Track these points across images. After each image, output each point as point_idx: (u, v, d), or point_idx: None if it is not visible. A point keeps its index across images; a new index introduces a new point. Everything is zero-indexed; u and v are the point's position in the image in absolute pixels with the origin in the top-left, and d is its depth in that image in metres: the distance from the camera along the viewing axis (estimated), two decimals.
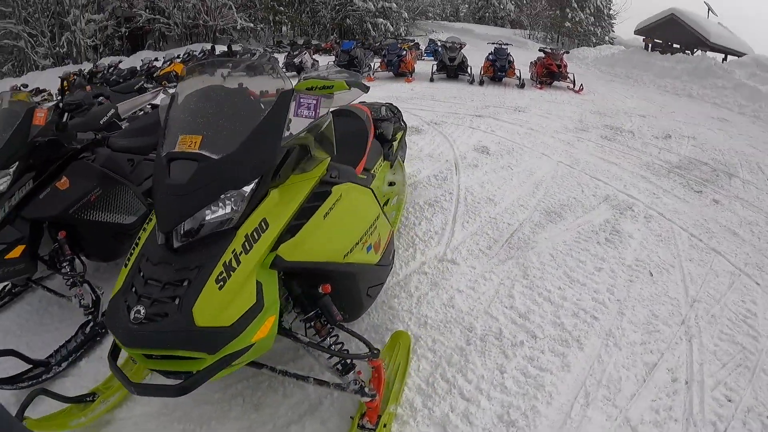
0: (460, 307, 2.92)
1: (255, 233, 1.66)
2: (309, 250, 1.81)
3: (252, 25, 28.94)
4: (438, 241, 3.74)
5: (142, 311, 1.50)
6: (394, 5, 33.82)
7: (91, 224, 2.90)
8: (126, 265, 1.69)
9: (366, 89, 2.35)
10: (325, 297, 1.99)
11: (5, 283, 3.16)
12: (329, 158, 2.09)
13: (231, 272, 1.55)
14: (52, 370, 2.51)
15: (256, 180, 1.71)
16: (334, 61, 13.84)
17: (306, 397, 2.29)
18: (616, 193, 4.77)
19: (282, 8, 33.35)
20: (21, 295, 3.21)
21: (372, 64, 14.20)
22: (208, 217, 1.64)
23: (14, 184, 2.64)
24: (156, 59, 19.28)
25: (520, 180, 5.07)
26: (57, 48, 27.25)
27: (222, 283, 1.52)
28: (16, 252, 2.55)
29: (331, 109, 2.20)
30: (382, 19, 33.27)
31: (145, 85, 9.83)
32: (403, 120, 4.30)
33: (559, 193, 4.75)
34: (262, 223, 1.69)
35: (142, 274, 1.59)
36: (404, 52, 13.27)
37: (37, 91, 16.95)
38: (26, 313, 3.05)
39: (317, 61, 14.81)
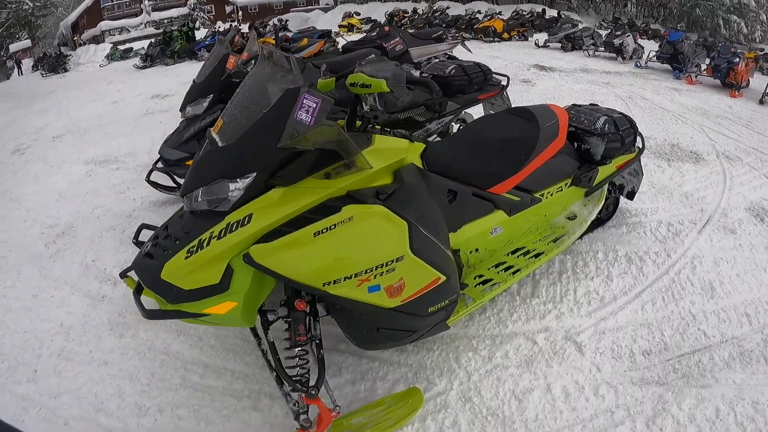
0: None
1: (236, 224, 1.80)
2: (281, 261, 1.80)
3: None
4: None
5: (148, 248, 1.91)
6: (753, 3, 27.27)
7: None
8: None
9: (405, 96, 2.03)
10: (297, 313, 2.01)
11: None
12: (364, 170, 1.95)
13: (200, 249, 1.78)
14: None
15: (253, 174, 1.81)
16: (656, 51, 12.05)
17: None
18: None
19: None
20: None
21: (701, 65, 11.62)
22: (200, 198, 1.86)
23: (207, 111, 3.25)
24: (479, 11, 19.69)
25: None
26: None
27: (190, 254, 1.78)
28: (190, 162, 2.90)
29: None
30: (735, 17, 27.45)
31: (444, 35, 10.34)
32: (640, 140, 3.49)
33: None
34: (247, 218, 1.81)
35: (168, 222, 2.00)
36: (737, 59, 10.20)
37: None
38: None
39: (642, 47, 13.02)
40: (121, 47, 25.11)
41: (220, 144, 1.92)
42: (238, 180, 1.83)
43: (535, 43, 15.53)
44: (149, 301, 1.94)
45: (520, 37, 17.27)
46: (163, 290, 1.81)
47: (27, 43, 35.91)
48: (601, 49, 13.49)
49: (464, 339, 2.74)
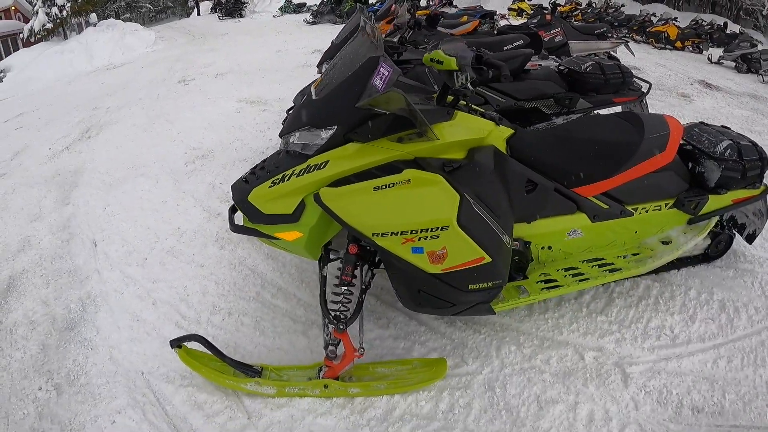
0: None
1: (315, 167, 2.07)
2: (342, 205, 2.02)
3: None
4: None
5: (246, 174, 2.28)
6: None
7: None
8: None
9: (468, 76, 2.10)
10: (349, 255, 2.23)
11: None
12: (433, 140, 2.11)
13: (282, 182, 2.09)
14: None
15: (335, 127, 2.07)
16: None
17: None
18: None
19: None
20: None
21: None
22: (292, 140, 2.16)
23: None
24: (653, 14, 18.37)
25: None
26: None
27: (274, 185, 2.11)
28: None
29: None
30: None
31: (607, 32, 9.90)
32: (761, 179, 3.03)
33: None
34: (324, 163, 2.07)
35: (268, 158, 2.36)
36: None
37: None
38: None
39: None
40: (296, 1, 26.37)
41: (314, 97, 2.21)
42: (323, 129, 2.11)
43: (708, 58, 14.22)
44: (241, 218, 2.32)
45: (694, 48, 15.88)
46: (248, 210, 2.17)
47: None
48: None
49: (514, 332, 2.74)
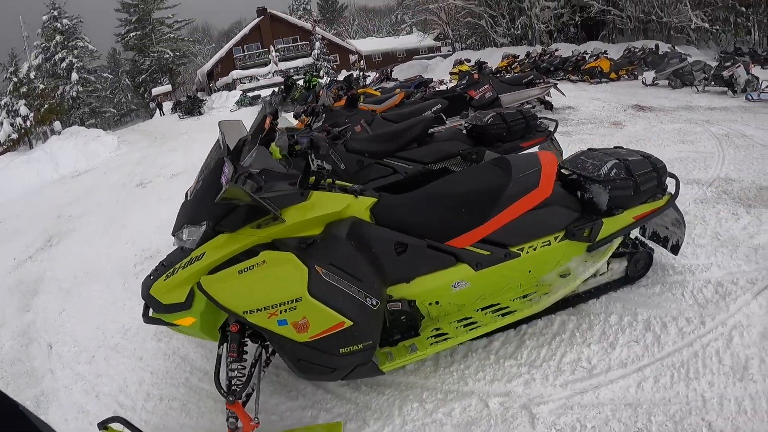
0: None
1: (196, 258, 2.31)
2: (217, 290, 2.24)
3: (707, 25, 25.37)
4: None
5: (152, 270, 2.55)
6: None
7: None
8: None
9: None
10: (232, 334, 2.43)
11: None
12: (282, 222, 2.32)
13: (173, 275, 2.35)
14: None
15: (205, 222, 2.33)
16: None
17: None
18: None
19: (744, 8, 26.66)
20: None
21: None
22: (179, 237, 2.45)
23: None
24: (584, 52, 19.19)
25: None
26: (512, 30, 29.93)
27: (167, 278, 2.37)
28: None
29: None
30: None
31: (536, 80, 10.35)
32: (674, 185, 3.06)
33: None
34: (202, 254, 2.32)
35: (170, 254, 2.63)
36: None
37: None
38: None
39: (757, 78, 11.57)
40: (250, 94, 27.48)
41: (188, 198, 2.52)
42: (198, 225, 2.37)
43: (642, 82, 14.73)
44: None
45: (630, 76, 16.48)
46: (152, 302, 2.41)
47: (168, 87, 40.58)
48: (712, 83, 12.31)
49: (419, 389, 2.70)
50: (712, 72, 12.40)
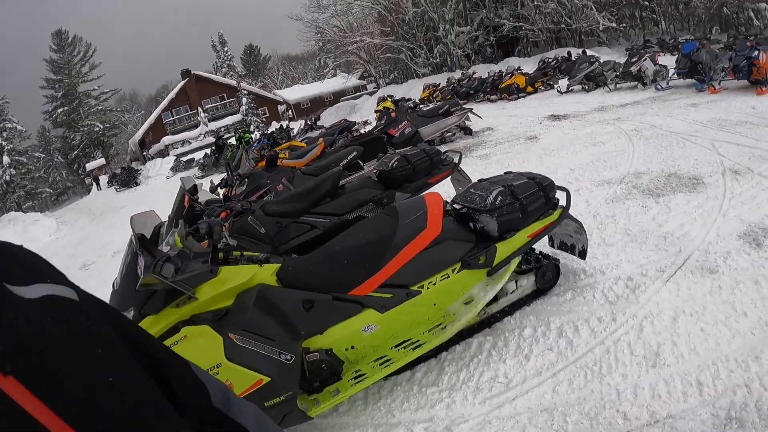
0: None
1: None
2: None
3: (615, 25, 26.79)
4: None
5: None
6: None
7: None
8: None
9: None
10: None
11: None
12: (196, 300, 2.49)
13: None
14: None
15: (131, 308, 2.51)
16: (673, 69, 11.41)
17: None
18: None
19: (647, 2, 29.06)
20: None
21: (726, 69, 10.28)
22: None
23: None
24: (500, 71, 19.92)
25: None
26: (431, 59, 31.09)
27: None
28: None
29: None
30: (765, 4, 24.63)
31: (452, 109, 10.76)
32: (565, 198, 3.32)
33: None
34: None
35: None
36: (756, 52, 9.13)
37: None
38: None
39: (665, 67, 12.10)
40: (184, 159, 27.35)
41: (114, 288, 2.73)
42: (126, 311, 2.51)
43: (557, 90, 15.21)
44: None
45: (546, 86, 16.91)
46: None
47: (101, 161, 40.04)
48: (623, 80, 12.80)
49: (350, 427, 2.80)
50: (620, 69, 12.87)
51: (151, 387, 0.56)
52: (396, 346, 2.92)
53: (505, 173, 3.51)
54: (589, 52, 18.80)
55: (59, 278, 0.59)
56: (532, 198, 3.11)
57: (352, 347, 2.86)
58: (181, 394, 0.62)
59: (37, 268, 0.58)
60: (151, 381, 0.57)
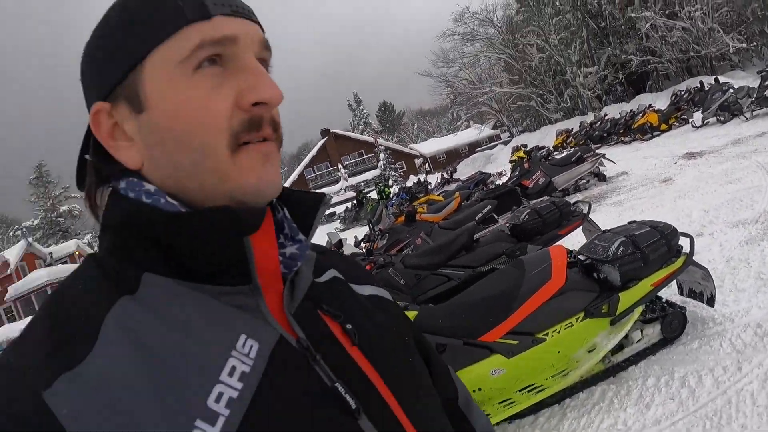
0: None
1: None
2: None
3: (746, 45, 23.92)
4: None
5: None
6: None
7: None
8: None
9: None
10: None
11: None
12: None
13: None
14: None
15: None
16: None
17: None
18: None
19: None
20: None
21: None
22: None
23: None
24: (632, 110, 19.07)
25: None
26: (562, 103, 30.78)
27: None
28: None
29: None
30: None
31: (584, 155, 10.75)
32: (689, 244, 3.32)
33: None
34: None
35: None
36: None
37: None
38: None
39: None
40: (326, 212, 28.69)
41: None
42: None
43: (692, 125, 14.19)
44: None
45: (680, 122, 15.78)
46: None
47: None
48: (759, 107, 11.73)
49: None
50: (755, 95, 11.90)
51: (428, 376, 0.73)
52: (520, 390, 3.08)
53: (629, 222, 3.59)
54: (722, 79, 16.89)
55: (377, 283, 0.77)
56: (654, 247, 3.17)
57: (479, 389, 3.05)
58: (440, 389, 0.75)
59: (367, 274, 0.78)
60: (427, 371, 0.74)
